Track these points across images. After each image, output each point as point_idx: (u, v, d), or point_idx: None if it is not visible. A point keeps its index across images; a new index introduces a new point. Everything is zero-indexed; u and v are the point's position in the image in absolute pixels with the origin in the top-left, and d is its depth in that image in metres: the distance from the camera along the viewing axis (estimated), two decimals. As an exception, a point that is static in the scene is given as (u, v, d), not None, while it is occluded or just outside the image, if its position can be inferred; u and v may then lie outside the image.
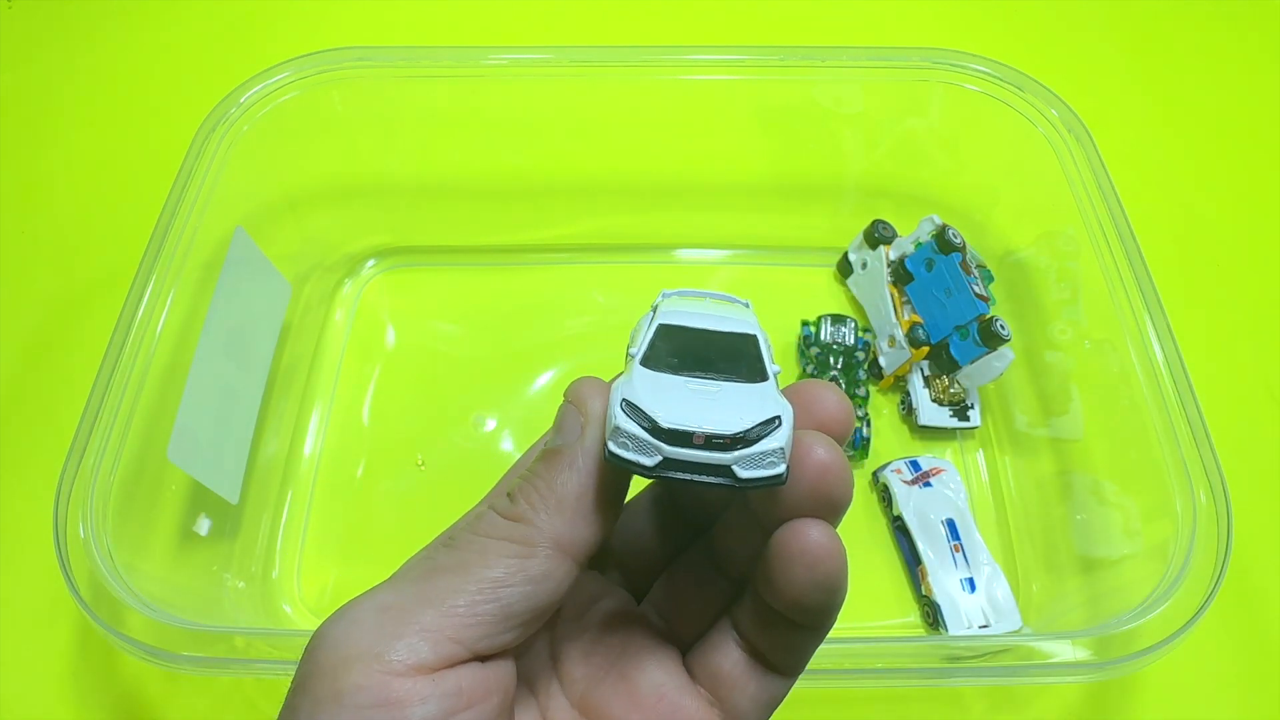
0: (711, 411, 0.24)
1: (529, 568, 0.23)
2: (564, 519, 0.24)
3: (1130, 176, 0.58)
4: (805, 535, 0.24)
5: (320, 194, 0.64)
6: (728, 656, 0.26)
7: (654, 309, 0.28)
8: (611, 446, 0.24)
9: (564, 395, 0.26)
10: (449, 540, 0.24)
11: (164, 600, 0.43)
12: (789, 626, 0.25)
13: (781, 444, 0.24)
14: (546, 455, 0.25)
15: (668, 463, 0.24)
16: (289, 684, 0.23)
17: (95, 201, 0.69)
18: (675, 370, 0.26)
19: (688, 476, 0.24)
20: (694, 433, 0.24)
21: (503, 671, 0.24)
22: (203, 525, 0.52)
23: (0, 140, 0.72)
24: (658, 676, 0.26)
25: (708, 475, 0.24)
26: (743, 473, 0.24)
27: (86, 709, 0.49)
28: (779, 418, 0.24)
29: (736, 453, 0.24)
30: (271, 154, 0.59)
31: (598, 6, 0.81)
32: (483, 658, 0.23)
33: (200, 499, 0.52)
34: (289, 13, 0.80)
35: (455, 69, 0.60)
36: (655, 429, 0.24)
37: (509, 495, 0.24)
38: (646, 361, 0.26)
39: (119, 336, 0.48)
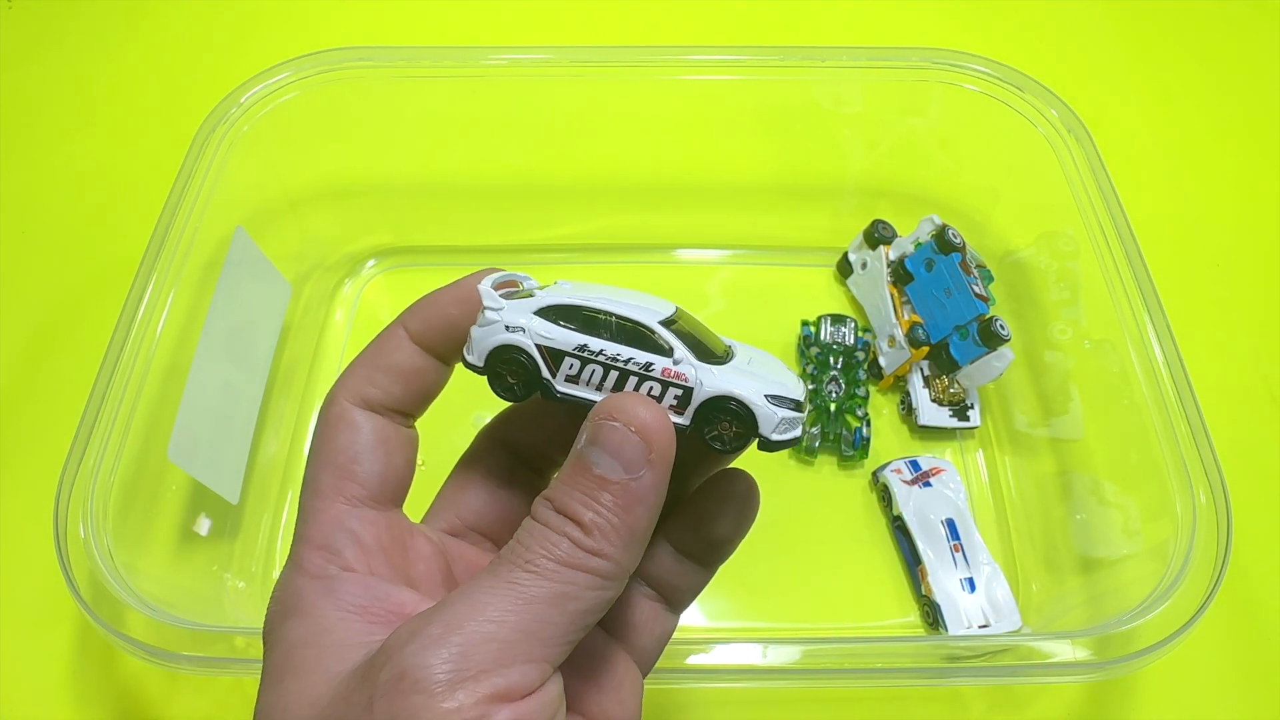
0: (784, 378, 0.28)
1: (608, 598, 0.25)
2: (635, 550, 0.25)
3: (1130, 176, 0.59)
4: (743, 481, 0.29)
5: (320, 194, 0.64)
6: (638, 606, 0.30)
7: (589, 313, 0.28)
8: (775, 436, 0.27)
9: (606, 414, 0.25)
10: (529, 564, 0.24)
11: (164, 600, 0.43)
12: (695, 567, 0.30)
13: None
14: (615, 489, 0.25)
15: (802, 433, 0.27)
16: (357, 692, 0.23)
17: (95, 201, 0.69)
18: (713, 359, 0.27)
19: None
20: (802, 399, 0.28)
21: (561, 676, 0.26)
22: (203, 525, 0.52)
23: (0, 140, 0.72)
24: (584, 639, 0.29)
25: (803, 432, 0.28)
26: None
27: (86, 709, 0.49)
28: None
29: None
30: (271, 154, 0.59)
31: (598, 6, 0.81)
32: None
33: (200, 499, 0.52)
34: (289, 13, 0.80)
35: (455, 69, 0.60)
36: (798, 405, 0.27)
37: (580, 526, 0.24)
38: (702, 359, 0.27)
39: (119, 336, 0.48)
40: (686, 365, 0.27)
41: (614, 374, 0.27)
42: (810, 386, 0.60)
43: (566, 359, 0.27)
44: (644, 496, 0.25)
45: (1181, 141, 0.74)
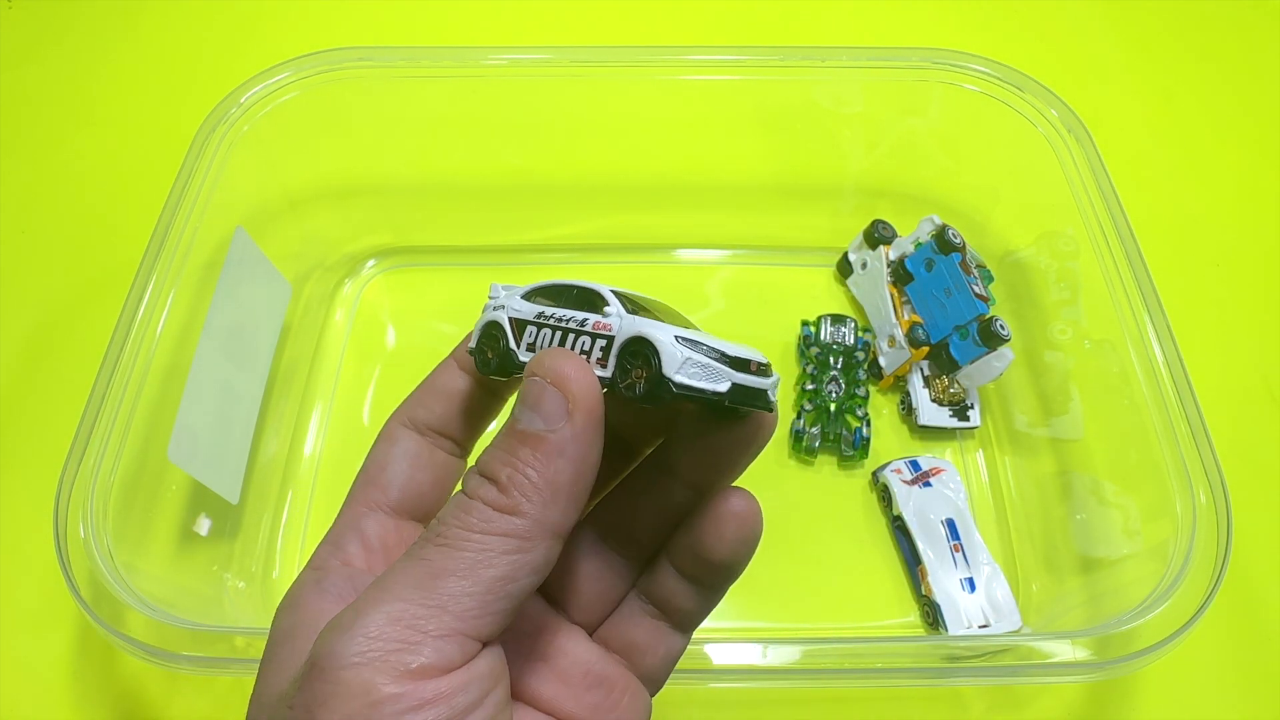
0: (729, 344, 0.26)
1: (532, 560, 0.24)
2: (559, 507, 0.24)
3: (1130, 176, 0.58)
4: (740, 499, 0.28)
5: (320, 194, 0.64)
6: (640, 625, 0.29)
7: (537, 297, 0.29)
8: (682, 377, 0.25)
9: (529, 371, 0.25)
10: (440, 537, 0.24)
11: (164, 600, 0.43)
12: (698, 589, 0.29)
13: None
14: (533, 441, 0.24)
15: (735, 389, 0.25)
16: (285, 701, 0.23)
17: (95, 201, 0.69)
18: (651, 318, 0.27)
19: (741, 404, 0.26)
20: (751, 360, 0.26)
21: (502, 654, 0.25)
22: (203, 525, 0.52)
23: (0, 140, 0.72)
24: (580, 654, 0.28)
25: (751, 401, 0.26)
26: (772, 396, 0.27)
27: (86, 709, 0.49)
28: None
29: (772, 378, 0.27)
30: (271, 154, 0.59)
31: (598, 6, 0.81)
32: (490, 642, 0.24)
33: (200, 499, 0.52)
34: (289, 13, 0.80)
35: (455, 69, 0.60)
36: (724, 357, 0.26)
37: (497, 485, 0.24)
38: (634, 313, 0.27)
39: (119, 336, 0.48)
40: (614, 317, 0.26)
41: (558, 335, 0.27)
42: (810, 386, 0.60)
43: (528, 328, 0.28)
44: (563, 448, 0.24)
45: (1181, 141, 0.74)
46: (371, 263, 0.68)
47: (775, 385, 0.27)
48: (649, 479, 0.30)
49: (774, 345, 0.64)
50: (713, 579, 0.29)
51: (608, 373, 0.26)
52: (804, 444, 0.59)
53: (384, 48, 0.60)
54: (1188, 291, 0.64)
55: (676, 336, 0.25)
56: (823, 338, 0.62)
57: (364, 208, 0.66)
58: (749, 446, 0.28)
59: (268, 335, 0.59)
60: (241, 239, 0.55)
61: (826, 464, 0.60)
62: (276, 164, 0.60)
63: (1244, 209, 0.70)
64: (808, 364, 0.62)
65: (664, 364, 0.25)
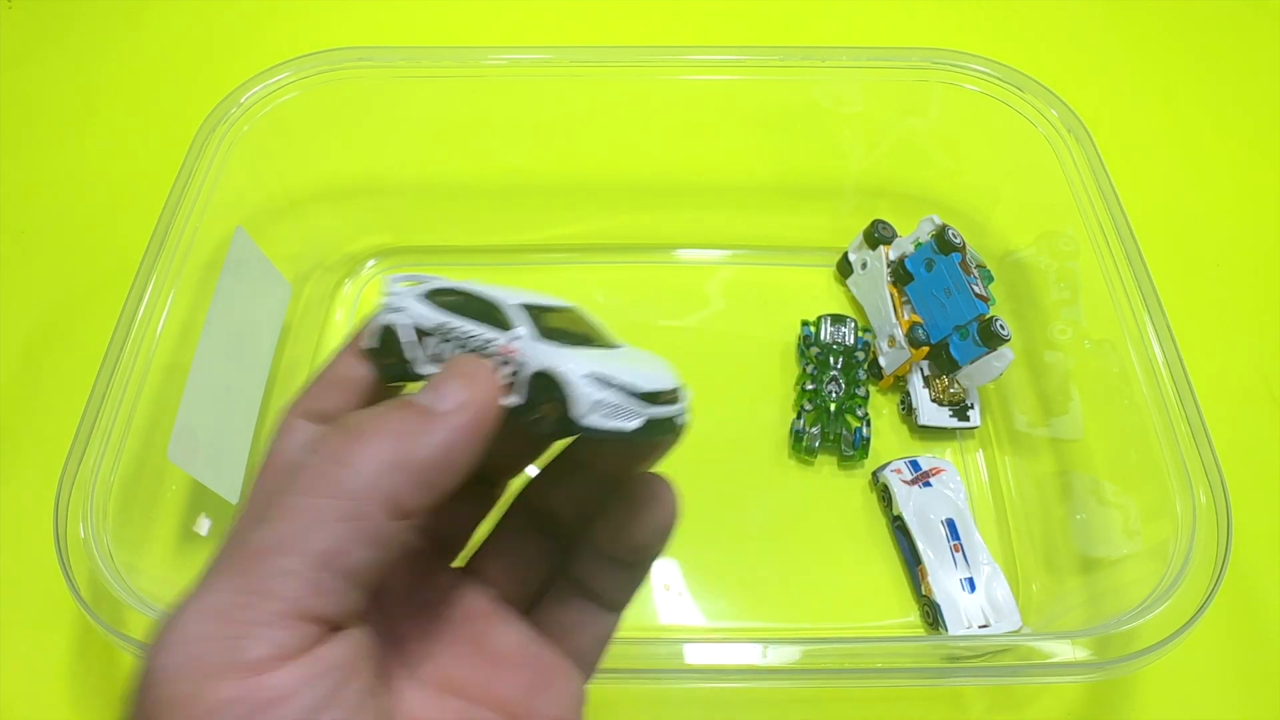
0: (646, 370, 0.25)
1: (364, 530, 0.21)
2: (401, 478, 0.22)
3: (1130, 176, 0.58)
4: (654, 484, 0.27)
5: (320, 194, 0.64)
6: (571, 606, 0.29)
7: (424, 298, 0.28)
8: (593, 420, 0.24)
9: (446, 366, 0.25)
10: (258, 510, 0.21)
11: (164, 600, 0.43)
12: (624, 568, 0.28)
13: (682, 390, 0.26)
14: (408, 407, 0.23)
15: (647, 424, 0.24)
16: None
17: (95, 201, 0.69)
18: (568, 343, 0.26)
19: (654, 437, 0.25)
20: (661, 391, 0.25)
21: (364, 638, 0.23)
22: (203, 525, 0.52)
23: (0, 140, 0.72)
24: (511, 637, 0.28)
25: (662, 432, 0.25)
26: (679, 421, 0.26)
27: (86, 709, 0.49)
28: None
29: (681, 403, 0.26)
30: (271, 154, 0.59)
31: (598, 6, 0.81)
32: (341, 626, 0.22)
33: (200, 499, 0.52)
34: (289, 13, 0.80)
35: (455, 69, 0.60)
36: (637, 394, 0.24)
37: (346, 430, 0.22)
38: (549, 339, 0.26)
39: (119, 336, 0.48)
40: (521, 341, 0.25)
41: (458, 351, 0.26)
42: (810, 386, 0.60)
43: (427, 339, 0.27)
44: (434, 427, 0.22)
45: (1181, 141, 0.74)
46: (371, 263, 0.68)
47: (687, 406, 0.26)
48: (567, 467, 0.30)
49: (774, 345, 0.64)
50: (634, 558, 0.28)
51: (518, 399, 0.25)
52: (804, 444, 0.59)
53: (384, 48, 0.60)
54: (1188, 291, 0.64)
55: (588, 374, 0.24)
56: (823, 338, 0.62)
57: (364, 208, 0.66)
58: (656, 453, 0.28)
59: (268, 335, 0.59)
60: (241, 239, 0.55)
61: (826, 464, 0.60)
62: (276, 164, 0.60)
63: (1244, 209, 0.70)
64: (808, 364, 0.62)
65: (573, 405, 0.24)
